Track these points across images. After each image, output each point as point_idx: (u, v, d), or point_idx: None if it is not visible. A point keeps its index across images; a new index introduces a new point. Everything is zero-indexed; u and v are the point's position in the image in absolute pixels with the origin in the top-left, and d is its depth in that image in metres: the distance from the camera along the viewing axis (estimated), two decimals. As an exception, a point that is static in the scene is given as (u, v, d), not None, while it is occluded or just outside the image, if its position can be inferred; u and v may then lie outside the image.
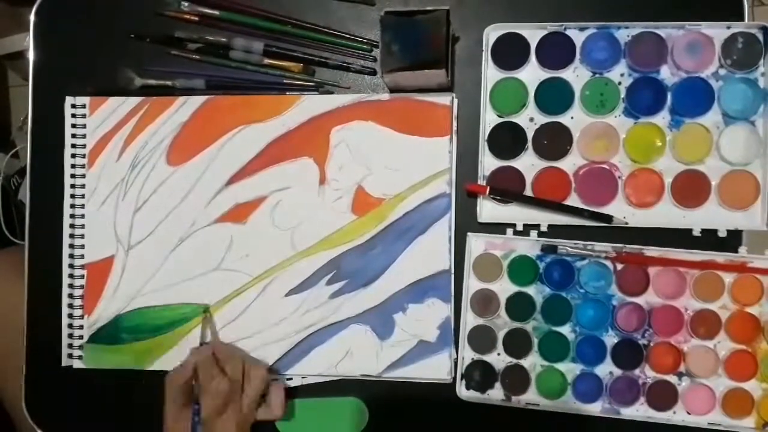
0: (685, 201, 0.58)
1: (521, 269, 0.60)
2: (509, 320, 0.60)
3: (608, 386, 0.59)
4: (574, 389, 0.59)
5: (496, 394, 0.60)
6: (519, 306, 0.60)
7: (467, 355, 0.60)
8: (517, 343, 0.60)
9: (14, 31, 1.23)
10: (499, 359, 0.60)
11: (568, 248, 0.58)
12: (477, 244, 0.60)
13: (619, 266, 0.59)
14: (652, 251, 0.58)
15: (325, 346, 0.61)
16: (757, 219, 0.57)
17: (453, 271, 0.60)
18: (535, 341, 0.60)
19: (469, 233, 0.60)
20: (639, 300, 0.59)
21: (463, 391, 0.60)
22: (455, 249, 0.60)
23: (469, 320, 0.60)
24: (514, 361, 0.60)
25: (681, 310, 0.59)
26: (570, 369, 0.60)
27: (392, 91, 0.61)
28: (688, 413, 0.59)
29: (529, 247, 0.59)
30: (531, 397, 0.60)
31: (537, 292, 0.60)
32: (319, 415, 0.59)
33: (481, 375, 0.60)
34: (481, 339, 0.60)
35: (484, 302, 0.60)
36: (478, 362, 0.60)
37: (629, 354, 0.59)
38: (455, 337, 0.60)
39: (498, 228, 0.60)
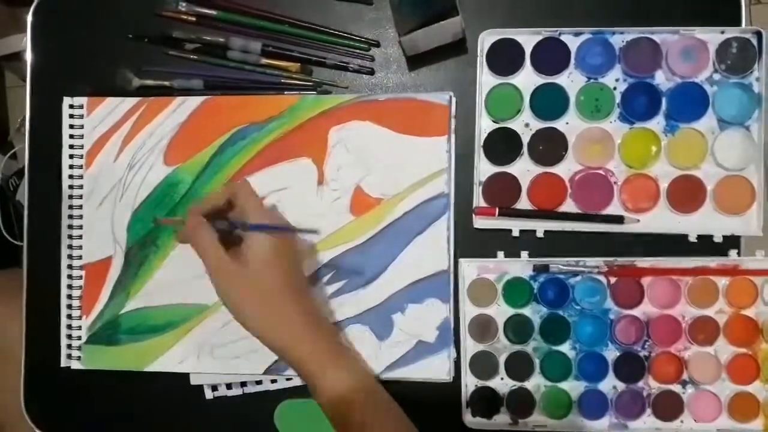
0: (680, 206, 0.58)
1: (516, 291, 0.59)
2: (509, 343, 0.60)
3: (613, 401, 0.59)
4: (580, 407, 0.59)
5: (502, 419, 0.60)
6: (517, 328, 0.60)
7: (470, 382, 0.60)
8: (519, 366, 0.60)
9: (11, 31, 1.23)
10: (502, 384, 0.60)
11: (560, 266, 0.58)
12: (470, 269, 0.60)
13: (613, 280, 0.59)
14: (643, 262, 0.58)
15: (324, 346, 0.61)
16: (753, 224, 0.58)
17: (452, 270, 0.60)
18: (537, 362, 0.59)
19: (461, 259, 0.59)
20: (635, 312, 0.59)
21: (469, 419, 0.60)
22: (453, 247, 0.60)
23: (469, 347, 0.60)
24: (518, 384, 0.60)
25: (678, 319, 0.59)
26: (574, 387, 0.59)
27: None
28: (696, 421, 0.59)
29: (522, 268, 0.59)
30: (537, 418, 0.59)
31: (534, 312, 0.60)
32: (319, 415, 0.59)
33: (486, 401, 0.60)
34: (483, 365, 0.60)
35: (483, 328, 0.60)
36: (481, 389, 0.60)
37: (631, 367, 0.59)
38: (455, 340, 0.60)
39: (496, 234, 0.59)
